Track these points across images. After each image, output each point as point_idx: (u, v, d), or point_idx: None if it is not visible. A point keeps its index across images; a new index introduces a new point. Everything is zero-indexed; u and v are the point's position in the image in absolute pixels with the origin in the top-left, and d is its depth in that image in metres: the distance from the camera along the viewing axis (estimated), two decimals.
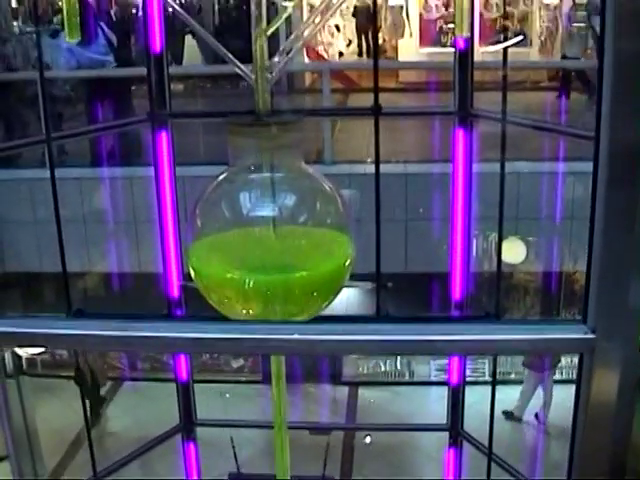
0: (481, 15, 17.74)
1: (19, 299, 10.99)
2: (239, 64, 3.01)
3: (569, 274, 11.41)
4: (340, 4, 3.06)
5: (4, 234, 10.26)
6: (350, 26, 21.90)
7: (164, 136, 4.53)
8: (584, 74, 15.17)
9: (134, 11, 17.19)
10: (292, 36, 3.10)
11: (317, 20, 3.13)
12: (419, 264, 9.07)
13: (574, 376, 9.91)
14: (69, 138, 5.82)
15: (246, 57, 2.86)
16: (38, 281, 10.80)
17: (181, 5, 19.11)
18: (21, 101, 12.67)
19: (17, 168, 9.99)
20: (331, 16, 3.20)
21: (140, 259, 9.24)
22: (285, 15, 2.93)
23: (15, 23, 21.86)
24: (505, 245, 6.03)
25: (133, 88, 12.02)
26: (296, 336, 2.14)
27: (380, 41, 19.51)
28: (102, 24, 11.69)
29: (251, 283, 2.81)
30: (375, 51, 5.23)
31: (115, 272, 9.93)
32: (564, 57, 15.90)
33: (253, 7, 2.91)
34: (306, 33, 3.13)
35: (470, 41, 4.54)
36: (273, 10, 12.50)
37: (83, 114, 12.03)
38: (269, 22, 2.96)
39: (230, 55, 3.10)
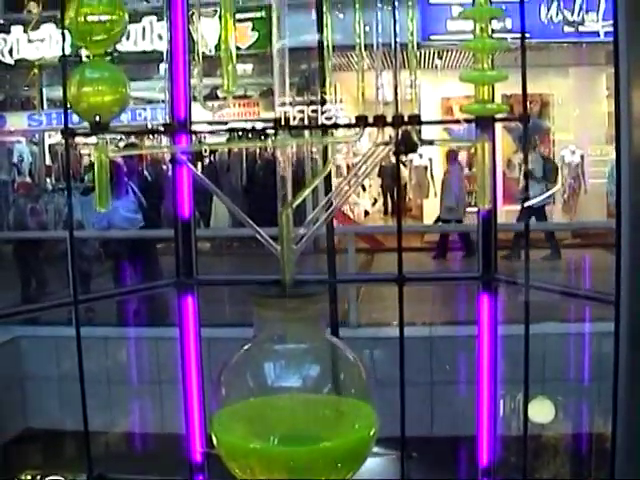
0: (504, 174, 18.01)
1: (40, 456, 10.90)
2: (264, 234, 3.05)
3: (599, 433, 11.20)
4: (365, 176, 3.13)
5: (28, 390, 10.26)
6: (376, 185, 22.27)
7: (190, 301, 4.57)
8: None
9: (165, 168, 17.63)
10: (319, 207, 3.14)
11: (345, 189, 3.18)
12: (445, 428, 8.98)
13: None
14: (95, 301, 5.88)
15: (274, 218, 2.87)
16: (61, 439, 10.74)
17: (210, 163, 19.57)
18: (49, 258, 12.89)
19: (43, 325, 10.08)
20: (357, 186, 3.26)
21: (163, 420, 9.20)
22: (312, 186, 2.99)
23: (48, 180, 22.49)
24: (533, 405, 5.94)
25: (160, 246, 12.25)
26: None
27: (405, 200, 19.78)
28: (132, 185, 11.98)
29: (274, 454, 2.79)
30: (399, 220, 5.26)
31: (138, 432, 9.87)
32: None
33: (279, 179, 2.96)
34: (333, 203, 3.18)
35: (493, 210, 4.58)
36: (300, 171, 12.78)
37: (110, 271, 12.25)
38: (296, 187, 3.00)
39: (254, 225, 3.13)
